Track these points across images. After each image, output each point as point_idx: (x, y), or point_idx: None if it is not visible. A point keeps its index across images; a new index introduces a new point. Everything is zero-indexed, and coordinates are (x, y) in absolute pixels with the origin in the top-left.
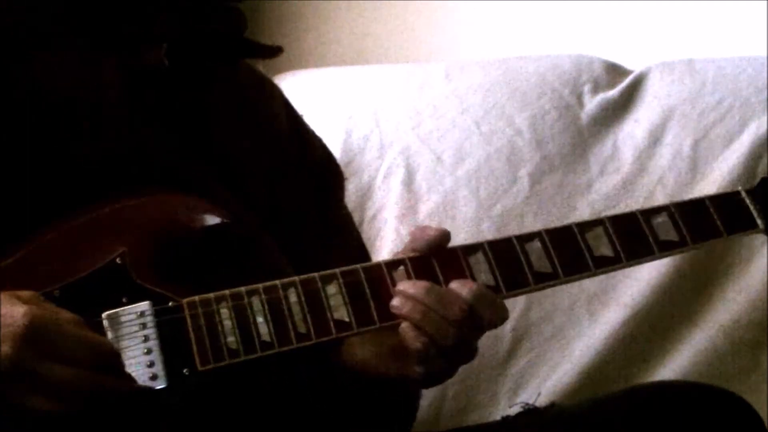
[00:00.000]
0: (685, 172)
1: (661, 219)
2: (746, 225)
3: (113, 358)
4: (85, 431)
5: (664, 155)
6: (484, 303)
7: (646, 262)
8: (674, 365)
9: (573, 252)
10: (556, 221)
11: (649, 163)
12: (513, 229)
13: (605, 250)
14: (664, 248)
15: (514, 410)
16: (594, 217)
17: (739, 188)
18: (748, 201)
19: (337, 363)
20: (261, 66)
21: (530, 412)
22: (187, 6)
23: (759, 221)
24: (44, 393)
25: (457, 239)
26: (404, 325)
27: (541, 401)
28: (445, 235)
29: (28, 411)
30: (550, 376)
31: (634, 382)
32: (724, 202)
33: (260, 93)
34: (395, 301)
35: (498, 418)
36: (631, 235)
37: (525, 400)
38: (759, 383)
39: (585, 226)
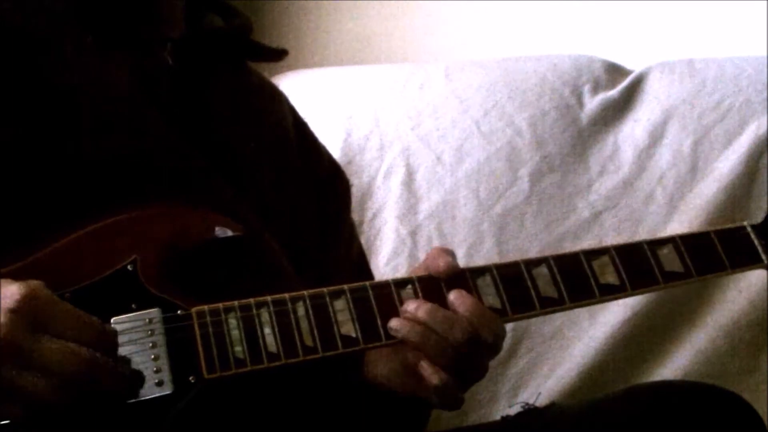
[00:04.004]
0: (685, 172)
1: (666, 250)
2: (750, 260)
3: (109, 337)
4: None
5: (664, 155)
6: (484, 323)
7: (650, 291)
8: (674, 365)
9: (579, 279)
10: (556, 221)
11: (649, 163)
12: (513, 229)
13: (611, 279)
14: (669, 279)
15: (514, 410)
16: (594, 216)
17: (744, 223)
18: (753, 236)
19: (356, 378)
20: (262, 67)
21: (530, 412)
22: (193, 7)
23: (763, 256)
24: (38, 369)
25: (457, 239)
26: (423, 362)
27: (541, 401)
28: (454, 270)
29: (22, 390)
30: (550, 376)
31: (634, 382)
32: (729, 236)
33: (266, 97)
34: (393, 323)
35: (498, 418)
36: (636, 265)
37: (525, 400)
38: (759, 383)
39: (591, 254)
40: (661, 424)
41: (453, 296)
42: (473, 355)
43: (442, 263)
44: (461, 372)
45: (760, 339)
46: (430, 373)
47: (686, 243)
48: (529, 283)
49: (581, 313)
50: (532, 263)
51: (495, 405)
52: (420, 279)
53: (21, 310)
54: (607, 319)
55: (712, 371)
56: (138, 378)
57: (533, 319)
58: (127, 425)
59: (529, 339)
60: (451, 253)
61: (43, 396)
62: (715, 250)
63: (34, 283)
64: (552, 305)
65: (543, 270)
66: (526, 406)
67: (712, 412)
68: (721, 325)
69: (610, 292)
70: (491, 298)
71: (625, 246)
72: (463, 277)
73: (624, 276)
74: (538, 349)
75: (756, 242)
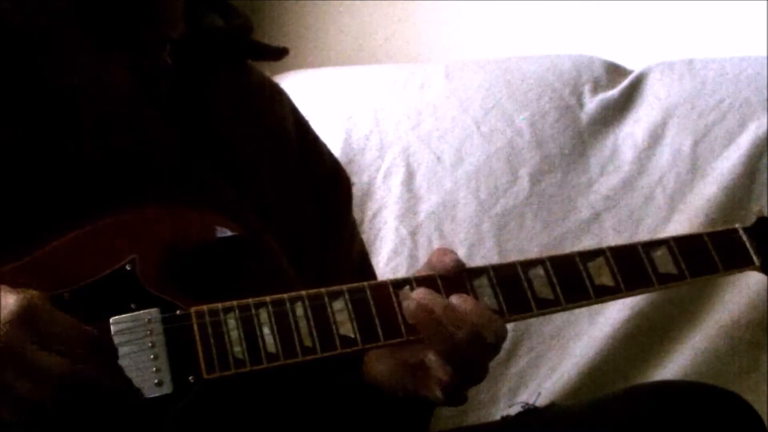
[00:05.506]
0: (685, 172)
1: (660, 252)
2: (743, 262)
3: (106, 345)
4: None
5: (664, 155)
6: (485, 324)
7: (645, 293)
8: (674, 365)
9: (575, 280)
10: (556, 221)
11: (649, 163)
12: (513, 229)
13: (606, 280)
14: (663, 281)
15: (514, 410)
16: (594, 216)
17: (737, 225)
18: (744, 238)
19: (355, 378)
20: (263, 67)
21: (530, 412)
22: (193, 7)
23: (755, 258)
24: (31, 378)
25: (457, 239)
26: (431, 355)
27: (541, 401)
28: (461, 267)
29: (16, 397)
30: (550, 376)
31: (634, 382)
32: (722, 238)
33: (266, 97)
34: (412, 306)
35: (498, 418)
36: (631, 267)
37: (525, 400)
38: (759, 383)
39: (587, 255)
40: (661, 424)
41: (456, 300)
42: (476, 354)
43: (449, 260)
44: (464, 372)
45: (760, 339)
46: (438, 366)
47: (680, 245)
48: (525, 284)
49: (581, 313)
50: (529, 264)
51: (495, 405)
52: (418, 279)
53: (19, 321)
54: (607, 319)
55: (712, 371)
56: (131, 390)
57: (533, 319)
58: (126, 425)
59: (529, 339)
60: (454, 253)
61: (39, 402)
62: (708, 252)
63: (32, 293)
64: (548, 306)
65: (539, 271)
66: (526, 406)
67: (712, 412)
68: (721, 325)
69: (605, 294)
70: (488, 299)
71: (619, 248)
72: (460, 279)
73: (619, 277)
74: (538, 349)
75: (747, 244)
